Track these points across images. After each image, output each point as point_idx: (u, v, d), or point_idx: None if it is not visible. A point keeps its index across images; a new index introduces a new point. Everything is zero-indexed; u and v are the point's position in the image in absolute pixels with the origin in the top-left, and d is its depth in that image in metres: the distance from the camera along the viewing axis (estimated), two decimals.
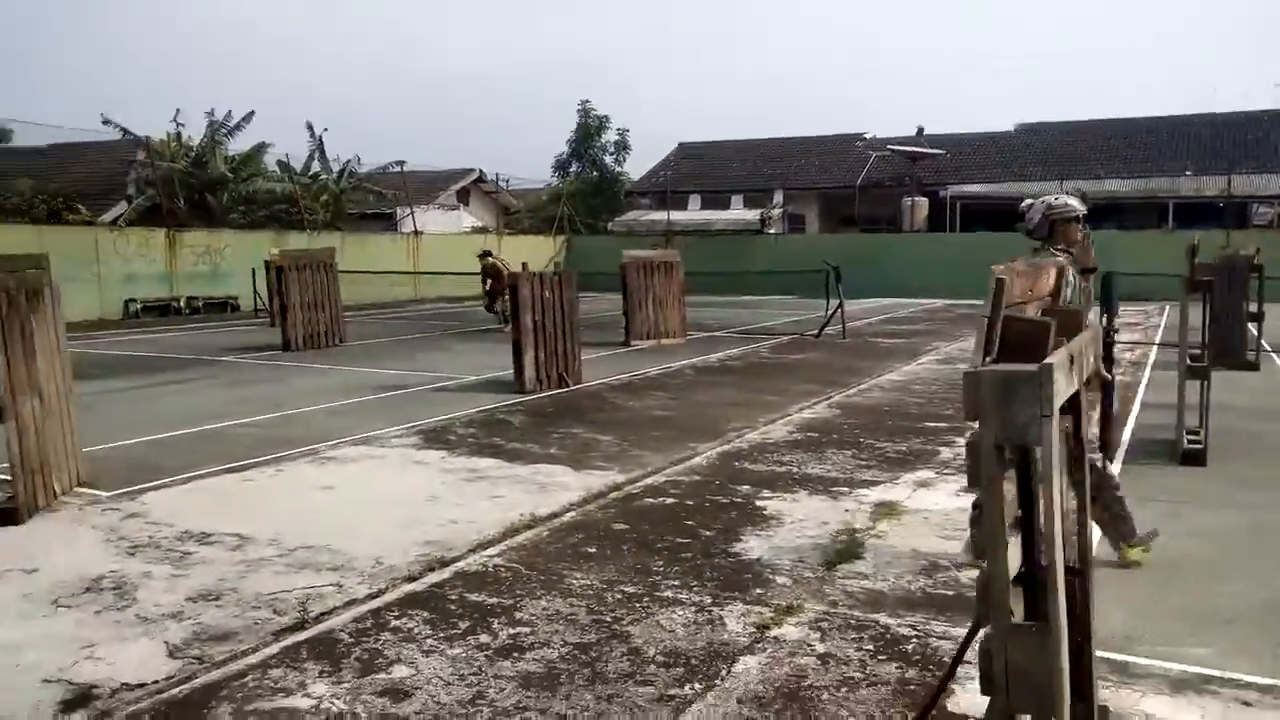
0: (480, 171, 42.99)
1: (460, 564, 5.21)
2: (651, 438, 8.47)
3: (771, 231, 35.32)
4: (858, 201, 35.85)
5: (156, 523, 5.92)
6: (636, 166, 44.38)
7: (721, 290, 29.18)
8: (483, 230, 38.80)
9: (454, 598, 4.72)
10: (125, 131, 30.35)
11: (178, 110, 41.37)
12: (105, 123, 30.03)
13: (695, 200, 38.32)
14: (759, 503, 6.35)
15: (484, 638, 4.24)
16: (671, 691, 3.70)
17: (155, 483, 6.86)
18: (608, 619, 4.42)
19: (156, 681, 3.81)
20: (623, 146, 41.81)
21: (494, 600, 4.68)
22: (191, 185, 30.61)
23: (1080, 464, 2.67)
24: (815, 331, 17.33)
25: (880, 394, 10.95)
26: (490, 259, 19.14)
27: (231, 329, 19.75)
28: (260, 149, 33.27)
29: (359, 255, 28.00)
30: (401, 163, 35.36)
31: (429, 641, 4.20)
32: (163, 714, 3.57)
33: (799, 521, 5.92)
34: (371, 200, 36.78)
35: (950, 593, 4.71)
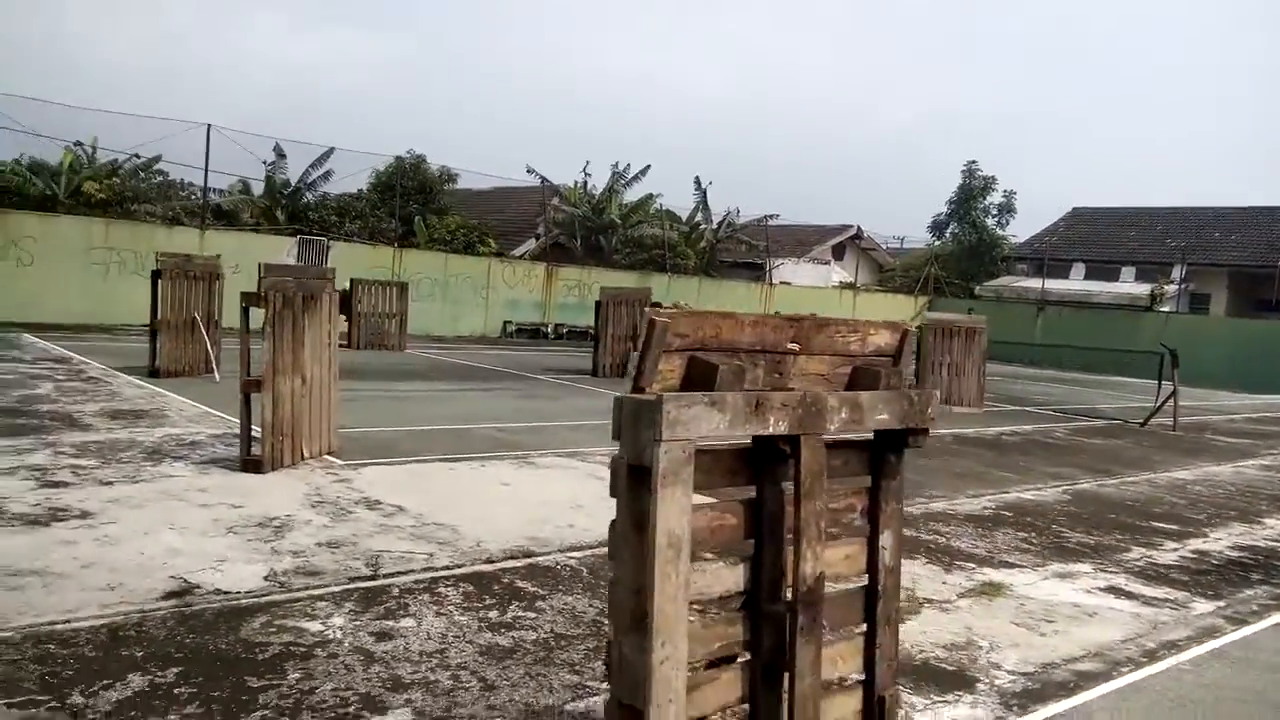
0: (857, 228, 43.35)
1: (538, 559, 5.87)
2: None
3: (1164, 309, 31.76)
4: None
5: (351, 488, 7.26)
6: (1023, 229, 42.16)
7: (1096, 368, 26.92)
8: (849, 286, 39.11)
9: (505, 581, 5.40)
10: (544, 179, 34.84)
11: (588, 162, 46.33)
12: (529, 171, 34.73)
13: (1079, 269, 35.54)
14: None
15: (492, 614, 4.87)
16: (567, 703, 4.08)
17: (381, 460, 8.31)
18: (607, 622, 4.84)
19: (239, 593, 4.92)
20: (1007, 209, 39.89)
21: (533, 589, 5.29)
22: (589, 227, 34.34)
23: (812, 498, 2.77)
24: (1141, 420, 15.64)
25: (1142, 489, 9.87)
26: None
27: (571, 353, 22.02)
28: (649, 199, 36.39)
29: (713, 299, 29.71)
30: (772, 216, 36.75)
31: (448, 606, 4.92)
32: (224, 614, 4.64)
33: None
34: (743, 250, 38.59)
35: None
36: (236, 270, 15.90)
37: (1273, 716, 4.36)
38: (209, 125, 21.95)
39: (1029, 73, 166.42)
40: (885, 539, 3.14)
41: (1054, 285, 33.62)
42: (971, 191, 40.01)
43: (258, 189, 28.63)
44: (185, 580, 5.02)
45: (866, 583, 3.13)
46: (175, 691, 3.73)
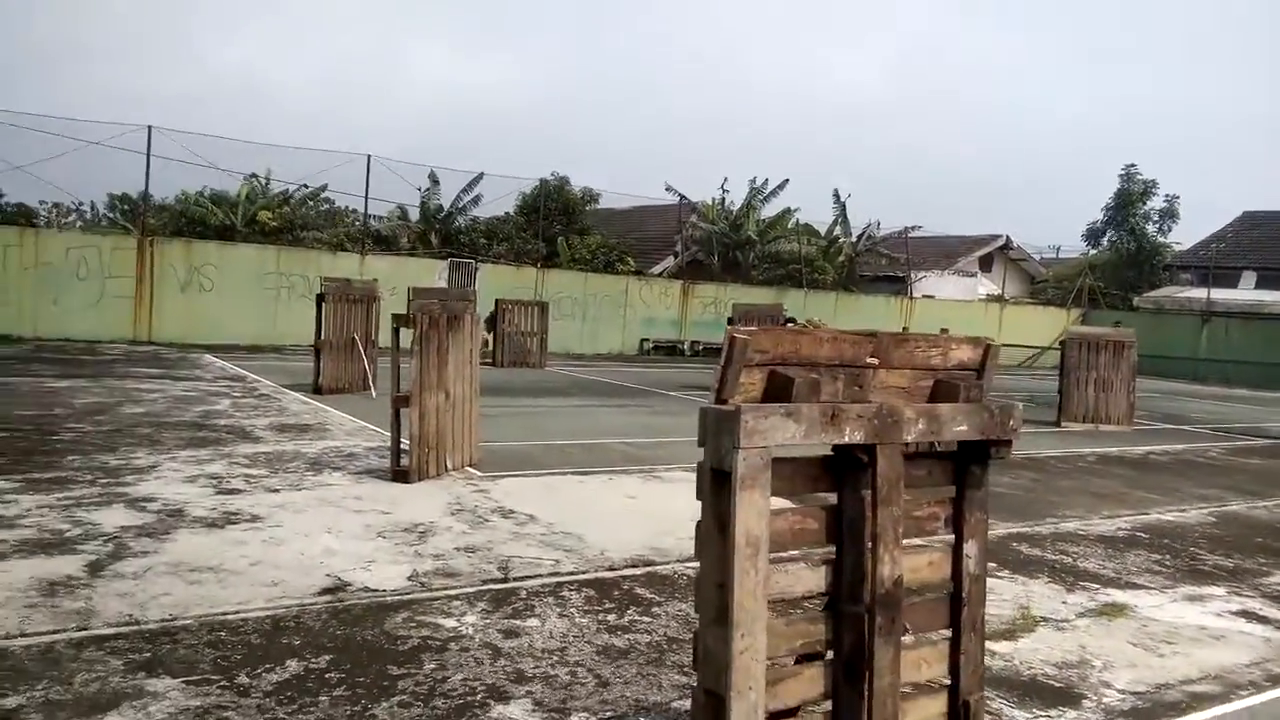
0: (1006, 238, 41.96)
1: (657, 567, 6.16)
2: None
3: None
4: None
5: (488, 498, 7.75)
6: (1189, 235, 39.89)
7: (1266, 384, 25.32)
8: (997, 298, 37.92)
9: (625, 588, 5.71)
10: (682, 197, 35.34)
11: (725, 178, 46.51)
12: (667, 189, 35.30)
13: (1250, 277, 33.37)
14: None
15: (611, 617, 5.18)
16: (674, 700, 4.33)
17: (518, 473, 8.79)
18: None
19: (383, 591, 5.40)
20: (1170, 215, 37.85)
21: (650, 595, 5.58)
22: (726, 244, 34.60)
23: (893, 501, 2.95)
24: None
25: None
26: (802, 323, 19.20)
27: (705, 370, 22.25)
28: (786, 214, 36.32)
29: (850, 314, 29.45)
30: (914, 228, 36.06)
31: (571, 608, 5.26)
32: (371, 609, 5.12)
33: (992, 597, 5.83)
34: (884, 263, 37.99)
35: None
36: (394, 293, 16.93)
37: None
38: (369, 156, 23.42)
39: (1192, 70, 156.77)
40: (969, 547, 3.27)
41: (1221, 295, 31.69)
42: (1130, 196, 38.16)
43: (414, 214, 30.28)
44: (339, 578, 5.55)
45: (951, 589, 3.27)
46: (326, 676, 4.19)
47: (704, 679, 2.76)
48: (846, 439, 2.86)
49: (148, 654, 4.28)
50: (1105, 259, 38.15)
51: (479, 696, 4.08)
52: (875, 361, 3.08)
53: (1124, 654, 5.04)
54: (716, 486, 2.75)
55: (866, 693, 2.95)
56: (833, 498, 3.05)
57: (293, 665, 4.27)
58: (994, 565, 6.59)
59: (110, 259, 20.22)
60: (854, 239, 37.57)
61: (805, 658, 3.03)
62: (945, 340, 3.29)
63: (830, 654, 3.02)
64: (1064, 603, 5.89)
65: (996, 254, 41.86)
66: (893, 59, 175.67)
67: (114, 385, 13.07)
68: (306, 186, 28.46)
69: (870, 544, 2.95)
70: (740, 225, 34.69)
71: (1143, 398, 19.79)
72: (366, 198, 24.33)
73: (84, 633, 4.47)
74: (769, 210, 35.75)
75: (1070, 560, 6.91)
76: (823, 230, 37.63)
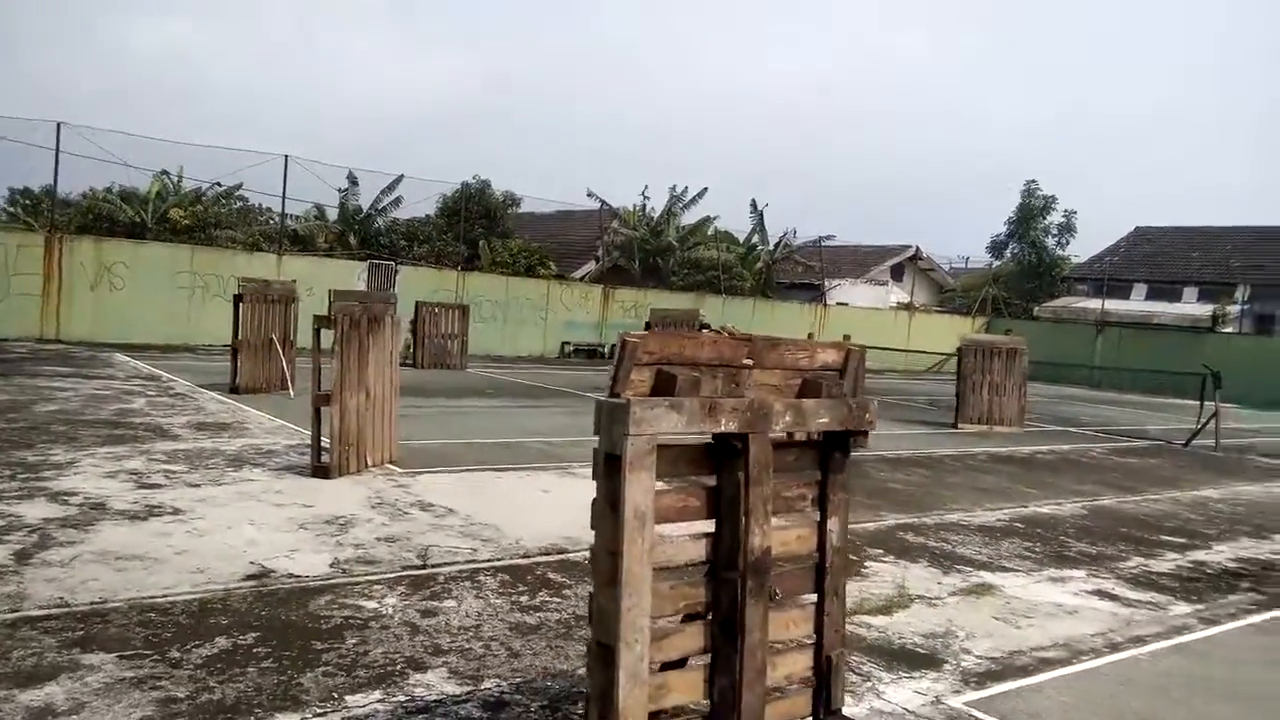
0: (916, 248, 43.50)
1: (569, 554, 6.56)
2: (859, 504, 9.06)
3: (1226, 330, 31.40)
4: None
5: (408, 492, 8.05)
6: (1085, 249, 41.89)
7: (1156, 389, 26.87)
8: (907, 307, 39.26)
9: (538, 573, 6.10)
10: (604, 203, 35.73)
11: (646, 185, 47.08)
12: (589, 195, 35.66)
13: (1140, 290, 35.29)
14: (868, 564, 6.86)
15: (524, 598, 5.57)
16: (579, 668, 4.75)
17: (438, 469, 9.09)
18: None
19: (306, 577, 5.69)
20: (1067, 229, 39.78)
21: (562, 579, 5.98)
22: (647, 250, 35.13)
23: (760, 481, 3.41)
24: (1184, 441, 15.79)
25: (1163, 506, 10.20)
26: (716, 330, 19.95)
27: None
28: (705, 221, 37.07)
29: (767, 320, 30.27)
30: (828, 237, 37.13)
31: (486, 591, 5.63)
32: (294, 593, 5.41)
33: (874, 579, 6.40)
34: (800, 271, 39.03)
35: None
36: (310, 293, 16.98)
37: (1206, 698, 4.83)
38: (286, 156, 23.28)
39: (1090, 89, 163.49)
40: (833, 523, 3.76)
41: (1115, 306, 33.44)
42: (1031, 211, 39.97)
43: (332, 214, 30.11)
44: (262, 566, 5.82)
45: (817, 560, 3.75)
46: (254, 651, 4.49)
47: (597, 633, 3.18)
48: (723, 428, 3.30)
49: (80, 632, 4.52)
50: (1008, 270, 39.86)
51: (399, 667, 4.44)
52: (750, 362, 3.53)
53: (985, 626, 5.63)
54: (609, 469, 3.16)
55: (740, 647, 3.40)
56: (712, 480, 3.49)
57: (221, 642, 4.56)
58: (879, 551, 7.19)
59: (16, 256, 19.76)
60: (771, 247, 38.49)
61: (689, 617, 3.46)
62: (812, 345, 3.77)
63: (710, 615, 3.47)
64: (939, 583, 6.48)
65: (907, 264, 43.37)
66: (823, 67, 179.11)
67: (24, 383, 12.92)
68: (220, 185, 28.14)
69: (744, 519, 3.40)
70: (661, 231, 35.28)
71: (1038, 402, 20.96)
72: (284, 197, 24.18)
73: (16, 614, 4.69)
74: (689, 218, 36.46)
75: (950, 547, 7.54)
76: (741, 238, 38.55)
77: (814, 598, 3.75)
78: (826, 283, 37.03)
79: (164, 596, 5.13)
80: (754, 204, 39.11)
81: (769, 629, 3.50)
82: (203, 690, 4.01)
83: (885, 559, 7.00)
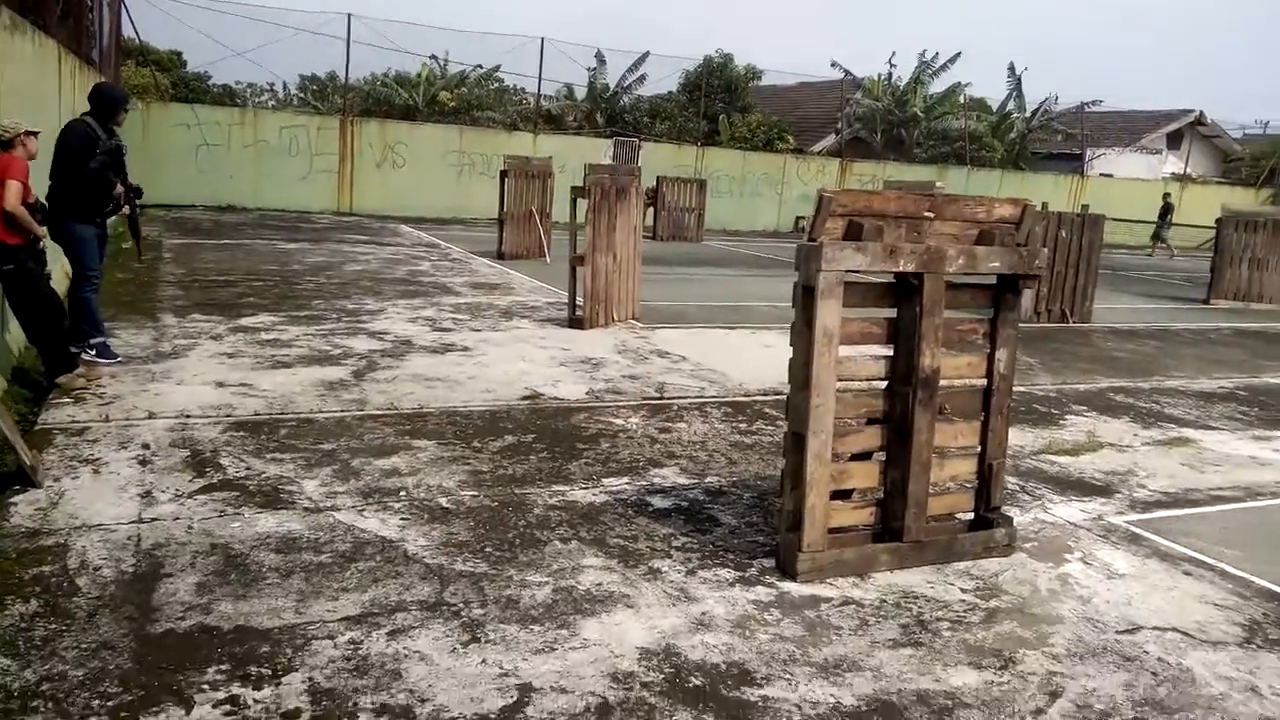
0: (1199, 113, 39.54)
1: (784, 395, 7.46)
2: (1074, 369, 9.32)
3: None
4: None
5: (648, 343, 9.22)
6: None
7: None
8: (1182, 177, 36.15)
9: (755, 408, 7.09)
10: (847, 72, 35.05)
11: (893, 53, 45.31)
12: (833, 65, 35.08)
13: None
14: (1067, 416, 7.32)
15: (742, 425, 6.58)
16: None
17: (673, 325, 10.22)
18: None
19: (568, 399, 6.97)
20: None
21: (775, 414, 6.89)
22: (890, 121, 34.31)
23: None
24: None
25: None
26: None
27: None
28: (955, 88, 35.49)
29: (1014, 193, 29.01)
30: (1094, 102, 34.58)
31: (711, 419, 6.69)
32: (560, 410, 6.70)
33: (1069, 428, 6.88)
34: (1059, 140, 36.68)
35: None
36: (563, 170, 18.43)
37: None
38: (542, 38, 24.70)
39: None
40: (1001, 354, 4.42)
41: None
42: None
43: (580, 94, 31.57)
44: (535, 390, 7.16)
45: (985, 384, 4.45)
46: (533, 445, 5.78)
47: (792, 425, 4.10)
48: (901, 268, 4.05)
49: (408, 427, 5.99)
50: None
51: (641, 464, 5.59)
52: (931, 215, 4.22)
53: (1169, 469, 6.06)
54: (806, 298, 4.01)
55: (909, 447, 4.22)
56: (893, 312, 4.27)
57: (509, 439, 5.89)
58: (1083, 407, 7.62)
59: (316, 137, 22.56)
60: (1027, 114, 36.34)
61: (871, 421, 4.31)
62: (989, 200, 4.38)
63: (886, 421, 4.30)
64: (1135, 435, 6.88)
65: (1187, 130, 39.55)
66: None
67: (333, 249, 15.24)
68: (481, 68, 30.12)
69: (917, 342, 4.16)
70: (906, 101, 34.20)
71: None
72: (540, 79, 25.75)
73: (363, 412, 6.24)
74: (938, 86, 35.02)
75: (1159, 408, 7.80)
76: (995, 106, 36.58)
77: (982, 417, 4.48)
78: (1089, 152, 34.71)
79: (464, 406, 6.55)
80: (1011, 68, 36.89)
81: (939, 437, 4.28)
82: (499, 467, 5.33)
83: (1087, 413, 7.43)
